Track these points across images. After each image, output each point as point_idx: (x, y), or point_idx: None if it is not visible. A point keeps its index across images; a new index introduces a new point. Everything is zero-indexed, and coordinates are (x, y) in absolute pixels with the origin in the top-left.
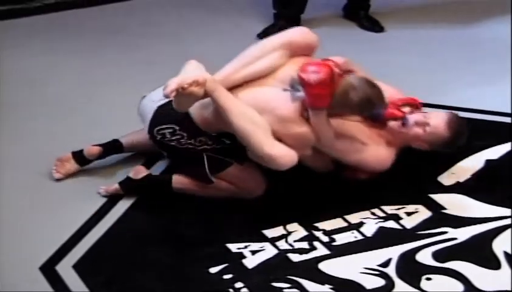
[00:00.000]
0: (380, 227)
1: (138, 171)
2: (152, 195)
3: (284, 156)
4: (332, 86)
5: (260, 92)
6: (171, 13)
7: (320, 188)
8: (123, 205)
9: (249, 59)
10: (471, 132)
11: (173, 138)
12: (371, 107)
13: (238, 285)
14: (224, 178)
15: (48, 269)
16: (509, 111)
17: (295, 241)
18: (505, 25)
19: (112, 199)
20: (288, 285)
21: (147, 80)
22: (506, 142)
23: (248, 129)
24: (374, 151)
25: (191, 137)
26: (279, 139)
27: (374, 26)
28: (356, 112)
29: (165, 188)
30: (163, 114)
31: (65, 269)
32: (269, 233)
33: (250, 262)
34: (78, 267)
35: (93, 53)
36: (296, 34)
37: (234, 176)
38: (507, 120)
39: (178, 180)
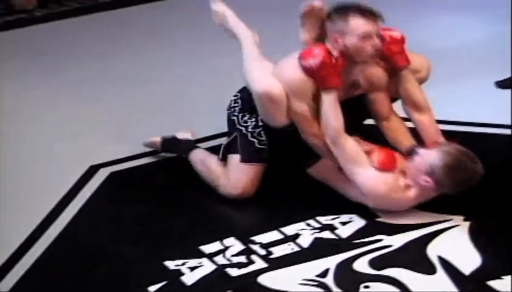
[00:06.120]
0: (316, 238)
1: (184, 133)
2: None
3: (267, 84)
4: (335, 65)
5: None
6: (97, 32)
7: (253, 201)
8: (59, 225)
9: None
10: None
11: (232, 105)
12: None
13: None
14: (228, 162)
15: None
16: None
17: (232, 255)
18: None
19: (49, 217)
20: None
21: (78, 100)
22: None
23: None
24: (375, 173)
25: (241, 110)
26: None
27: None
28: None
29: (185, 153)
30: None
31: None
32: (206, 248)
33: (189, 279)
34: None
35: (22, 76)
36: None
37: (232, 165)
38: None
39: (195, 151)
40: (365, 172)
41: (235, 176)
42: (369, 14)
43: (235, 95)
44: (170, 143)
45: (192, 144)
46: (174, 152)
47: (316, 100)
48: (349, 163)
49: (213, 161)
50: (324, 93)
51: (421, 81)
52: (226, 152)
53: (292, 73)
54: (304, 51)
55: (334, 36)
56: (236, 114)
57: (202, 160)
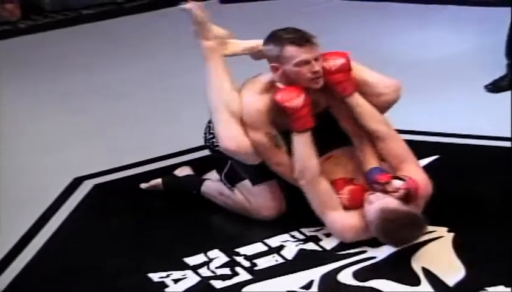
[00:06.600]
0: (301, 249)
1: (183, 170)
2: (186, 194)
3: (235, 142)
4: (310, 104)
5: None
6: (81, 44)
7: (238, 213)
8: (42, 238)
9: None
10: None
11: (208, 137)
12: None
13: None
14: (240, 190)
15: None
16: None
17: (216, 267)
18: None
19: (32, 230)
20: None
21: (62, 111)
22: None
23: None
24: (343, 218)
25: None
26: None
27: None
28: None
29: (195, 189)
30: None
31: None
32: (191, 260)
33: (173, 291)
34: None
35: (5, 88)
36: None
37: (248, 191)
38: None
39: (206, 184)
40: (334, 215)
41: (256, 201)
42: (303, 41)
43: (208, 126)
44: (173, 182)
45: (197, 178)
46: (181, 191)
47: (277, 128)
48: (320, 205)
49: (230, 192)
50: (299, 134)
51: (387, 103)
52: (233, 181)
53: (249, 103)
54: (283, 93)
55: (272, 64)
56: (217, 143)
57: (220, 192)
